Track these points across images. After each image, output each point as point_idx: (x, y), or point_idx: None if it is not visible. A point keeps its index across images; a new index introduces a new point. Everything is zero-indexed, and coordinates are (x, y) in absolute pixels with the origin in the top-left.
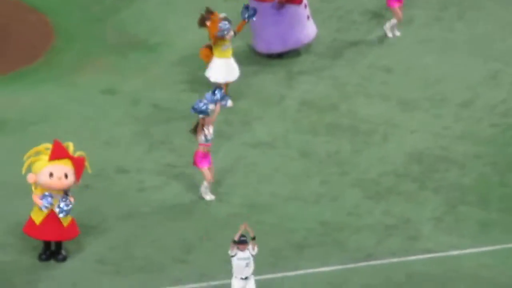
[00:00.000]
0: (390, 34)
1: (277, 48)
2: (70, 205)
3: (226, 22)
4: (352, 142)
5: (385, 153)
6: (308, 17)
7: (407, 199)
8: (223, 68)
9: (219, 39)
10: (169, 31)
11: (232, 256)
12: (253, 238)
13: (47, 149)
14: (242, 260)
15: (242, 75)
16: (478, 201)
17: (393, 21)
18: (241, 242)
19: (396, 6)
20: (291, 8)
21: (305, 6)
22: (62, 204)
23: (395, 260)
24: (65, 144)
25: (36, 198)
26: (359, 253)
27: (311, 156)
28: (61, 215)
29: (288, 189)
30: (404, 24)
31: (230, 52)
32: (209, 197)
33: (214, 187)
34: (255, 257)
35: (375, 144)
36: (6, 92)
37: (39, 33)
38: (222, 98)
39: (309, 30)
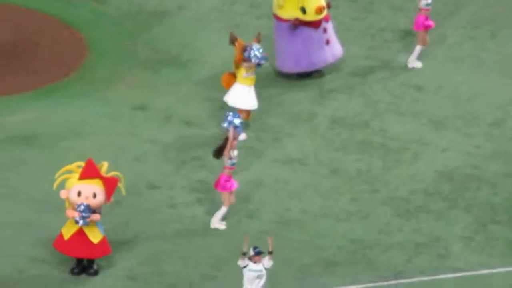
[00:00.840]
0: (412, 65)
1: (290, 69)
2: (89, 213)
3: (260, 50)
4: (383, 160)
5: (415, 171)
6: (328, 42)
7: (437, 217)
8: (245, 95)
9: (243, 64)
10: (200, 47)
11: (244, 267)
12: (270, 252)
13: (79, 167)
14: (254, 272)
15: (274, 92)
16: (509, 220)
17: (417, 49)
18: (256, 254)
19: (422, 29)
20: (305, 32)
21: (325, 30)
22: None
23: (424, 278)
24: (100, 164)
25: (70, 212)
26: (388, 271)
27: (342, 173)
28: (81, 222)
29: (318, 206)
30: (436, 42)
31: (253, 80)
32: (222, 226)
33: (244, 204)
34: (267, 271)
35: (406, 162)
36: (37, 107)
37: (72, 48)
38: (239, 125)
39: (326, 55)
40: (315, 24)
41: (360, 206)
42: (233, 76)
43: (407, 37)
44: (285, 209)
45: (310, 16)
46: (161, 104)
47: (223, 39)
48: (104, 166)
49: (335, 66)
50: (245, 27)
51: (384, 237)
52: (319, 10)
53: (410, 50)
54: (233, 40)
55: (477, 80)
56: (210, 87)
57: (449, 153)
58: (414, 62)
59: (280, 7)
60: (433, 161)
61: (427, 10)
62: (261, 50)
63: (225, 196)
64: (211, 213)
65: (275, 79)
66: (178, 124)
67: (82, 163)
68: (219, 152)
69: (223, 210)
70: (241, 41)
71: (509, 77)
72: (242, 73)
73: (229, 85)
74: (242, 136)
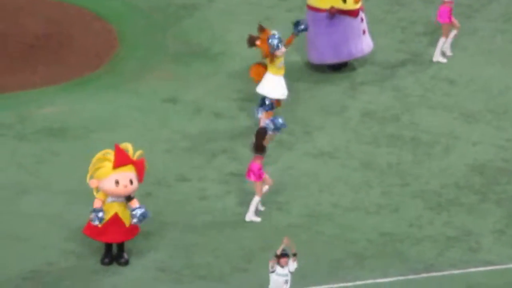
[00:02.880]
0: (437, 59)
1: (329, 59)
2: (143, 209)
3: (275, 37)
4: (413, 153)
5: (446, 165)
6: (364, 32)
7: (469, 211)
8: (279, 85)
9: (274, 56)
10: (231, 40)
11: (272, 272)
12: (294, 255)
13: (108, 154)
14: (282, 277)
15: (305, 85)
16: None
17: (440, 42)
18: (283, 256)
19: (448, 21)
20: (346, 20)
21: (362, 19)
22: (138, 212)
23: (456, 272)
24: (122, 145)
25: (97, 202)
26: (419, 264)
27: (372, 166)
28: (135, 221)
29: (348, 199)
30: (468, 35)
31: (283, 70)
32: (257, 219)
33: (274, 196)
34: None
35: (437, 155)
36: (68, 99)
37: (103, 40)
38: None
39: (363, 44)
40: (354, 13)
41: (391, 200)
42: (263, 67)
43: (438, 30)
44: (315, 203)
45: (350, 5)
46: (191, 97)
47: (253, 32)
48: (130, 149)
49: (366, 59)
50: (275, 20)
51: (415, 231)
52: None
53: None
54: (253, 40)
55: (508, 73)
56: (240, 80)
57: (480, 146)
58: (438, 57)
59: None
60: (464, 154)
61: (451, 2)
62: (274, 37)
63: (258, 185)
64: (241, 205)
65: (306, 72)
66: (208, 116)
67: (110, 151)
68: (261, 147)
69: (256, 199)
70: (268, 31)
71: None
72: (275, 65)
73: (260, 76)
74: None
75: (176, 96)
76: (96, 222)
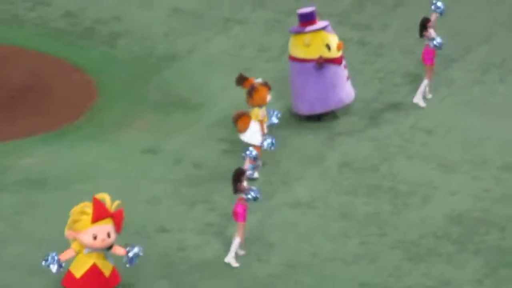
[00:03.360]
0: (417, 101)
1: (319, 109)
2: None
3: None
4: (392, 203)
5: (425, 215)
6: (347, 78)
7: (447, 261)
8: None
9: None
10: (211, 90)
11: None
12: None
13: (86, 207)
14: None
15: (283, 134)
16: None
17: (423, 85)
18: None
19: (431, 63)
20: (331, 68)
21: (345, 67)
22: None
23: None
24: (99, 196)
25: (69, 252)
26: None
27: (351, 217)
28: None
29: (327, 249)
30: (445, 86)
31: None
32: (235, 263)
33: (254, 247)
34: None
35: (415, 205)
36: (48, 150)
37: (82, 91)
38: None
39: (348, 90)
40: (338, 60)
41: (369, 250)
42: (248, 117)
43: (417, 80)
44: (294, 253)
45: (334, 53)
46: (171, 147)
47: (233, 82)
48: (107, 200)
49: (344, 110)
50: (255, 70)
51: (394, 281)
52: (339, 47)
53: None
54: (241, 81)
55: (486, 123)
56: (220, 130)
57: (458, 196)
58: (419, 98)
59: (307, 46)
60: (442, 204)
61: (434, 50)
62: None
63: (241, 227)
64: (220, 255)
65: (284, 122)
66: (188, 166)
67: (88, 203)
68: (238, 188)
69: (237, 241)
70: (250, 80)
71: None
72: (257, 113)
73: (246, 126)
74: (256, 175)
75: (156, 146)
76: (51, 265)
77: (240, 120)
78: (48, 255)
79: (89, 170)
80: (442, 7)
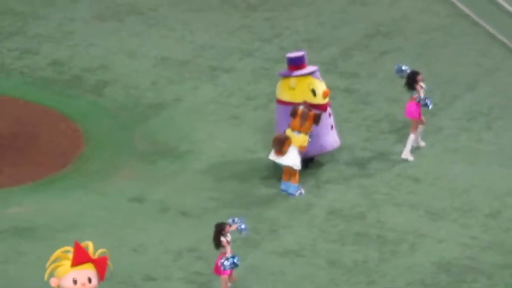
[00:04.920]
0: (405, 156)
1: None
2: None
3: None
4: (379, 251)
5: (412, 263)
6: (332, 127)
7: None
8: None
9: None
10: (198, 139)
11: None
12: None
13: (67, 252)
14: None
15: (270, 183)
16: None
17: (410, 140)
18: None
19: (416, 117)
20: None
21: (330, 115)
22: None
23: None
24: (84, 244)
25: None
26: None
27: (338, 265)
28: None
29: None
30: (432, 133)
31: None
32: None
33: None
34: None
35: (403, 253)
36: (35, 199)
37: (69, 140)
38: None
39: (332, 139)
40: (323, 107)
41: None
42: (289, 140)
43: (404, 128)
44: None
45: (319, 99)
46: (158, 196)
47: (220, 130)
48: (90, 247)
49: (331, 158)
50: (242, 118)
51: None
52: (326, 94)
53: (406, 140)
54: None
55: (473, 171)
56: (207, 178)
57: (445, 244)
58: (407, 154)
59: (292, 89)
60: (430, 252)
61: (418, 104)
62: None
63: (223, 280)
64: None
65: (270, 170)
66: (175, 215)
67: (69, 248)
68: (218, 243)
69: None
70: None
71: (505, 167)
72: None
73: (287, 148)
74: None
75: (142, 195)
76: None
77: (286, 142)
78: None
79: (76, 219)
80: (405, 69)
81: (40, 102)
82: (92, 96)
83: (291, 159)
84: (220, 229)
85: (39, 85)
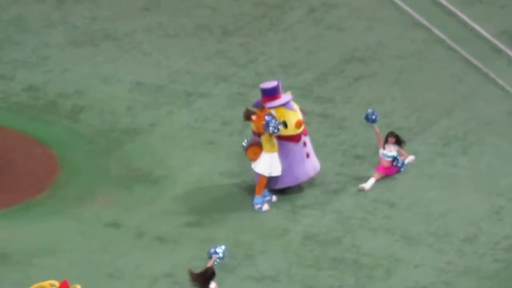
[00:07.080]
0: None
1: (273, 185)
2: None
3: (272, 122)
4: (355, 276)
5: None
6: (308, 155)
7: None
8: (275, 162)
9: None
10: (173, 164)
11: None
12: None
13: (52, 285)
14: None
15: (245, 209)
16: None
17: (372, 179)
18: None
19: (382, 173)
20: (288, 146)
21: (304, 144)
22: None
23: None
24: (72, 286)
25: None
26: None
27: None
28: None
29: None
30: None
31: (276, 147)
32: None
33: None
34: None
35: (379, 278)
36: (10, 224)
37: (44, 166)
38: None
39: (307, 168)
40: (295, 138)
41: None
42: (259, 148)
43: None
44: None
45: (291, 131)
46: (134, 221)
47: (196, 155)
48: None
49: (307, 182)
50: (218, 144)
51: None
52: (299, 124)
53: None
54: (248, 116)
55: (449, 196)
56: (183, 204)
57: (421, 269)
58: (368, 184)
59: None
60: (405, 277)
61: (387, 161)
62: (273, 121)
63: None
64: None
65: (246, 196)
66: (151, 241)
67: (55, 282)
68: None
69: None
70: (260, 113)
71: (481, 192)
72: (272, 140)
73: (257, 155)
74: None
75: (118, 221)
76: None
77: (250, 149)
78: None
79: (51, 244)
80: (374, 118)
81: (15, 127)
82: (67, 122)
83: (259, 167)
84: (211, 276)
85: (14, 110)
